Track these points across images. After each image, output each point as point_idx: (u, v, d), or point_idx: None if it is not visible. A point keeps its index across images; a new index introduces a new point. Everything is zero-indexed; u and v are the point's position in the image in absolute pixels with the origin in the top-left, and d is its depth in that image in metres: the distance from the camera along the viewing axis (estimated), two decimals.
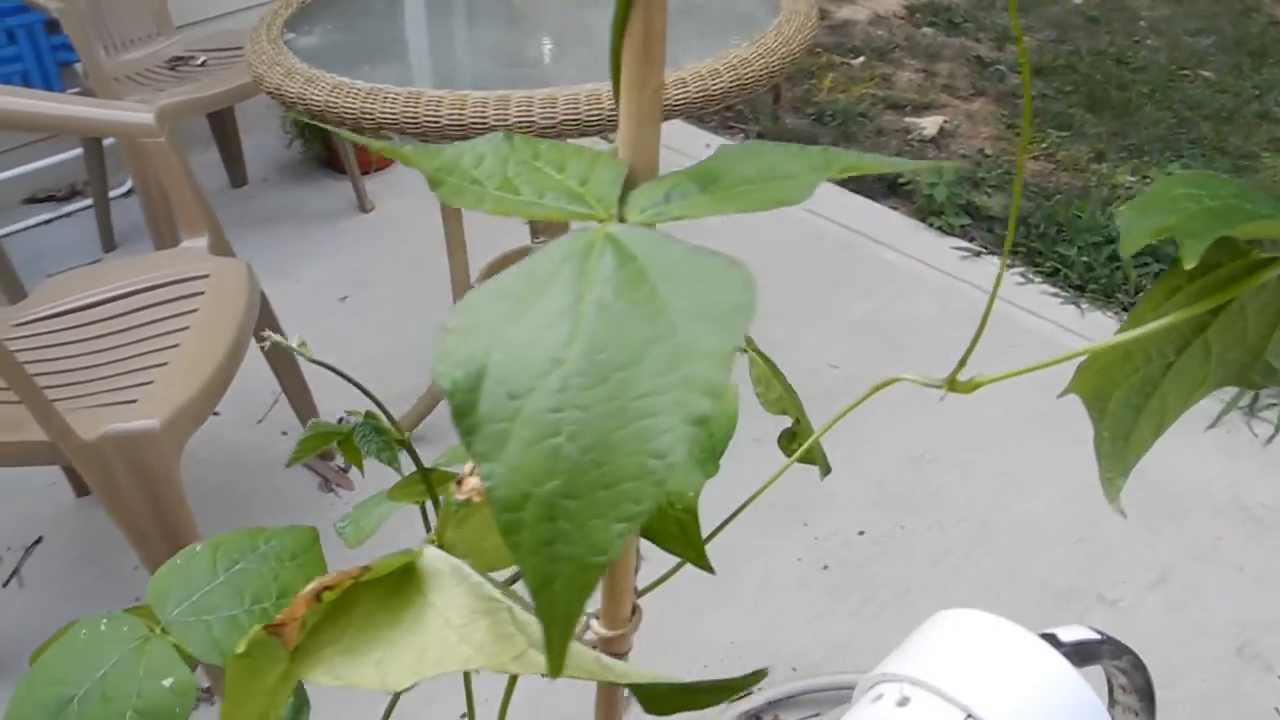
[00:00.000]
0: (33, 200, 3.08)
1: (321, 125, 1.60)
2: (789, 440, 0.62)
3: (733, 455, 0.56)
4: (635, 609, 0.48)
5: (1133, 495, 2.04)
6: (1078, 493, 2.04)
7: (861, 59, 4.13)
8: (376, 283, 2.73)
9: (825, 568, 1.91)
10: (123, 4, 2.83)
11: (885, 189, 3.10)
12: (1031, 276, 2.68)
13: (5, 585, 2.00)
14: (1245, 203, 0.34)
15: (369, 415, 0.63)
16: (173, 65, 2.75)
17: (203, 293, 1.75)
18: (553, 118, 1.39)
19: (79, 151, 2.84)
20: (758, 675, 0.45)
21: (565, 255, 0.31)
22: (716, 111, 3.53)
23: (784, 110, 3.57)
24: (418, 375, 2.36)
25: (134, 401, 1.54)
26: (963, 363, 0.43)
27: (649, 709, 0.44)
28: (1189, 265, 0.31)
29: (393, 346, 2.48)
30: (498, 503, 0.27)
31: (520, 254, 2.11)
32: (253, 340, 1.87)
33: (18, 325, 1.79)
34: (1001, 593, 1.84)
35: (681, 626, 1.81)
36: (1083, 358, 0.40)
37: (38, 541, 2.07)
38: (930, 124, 3.55)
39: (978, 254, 2.77)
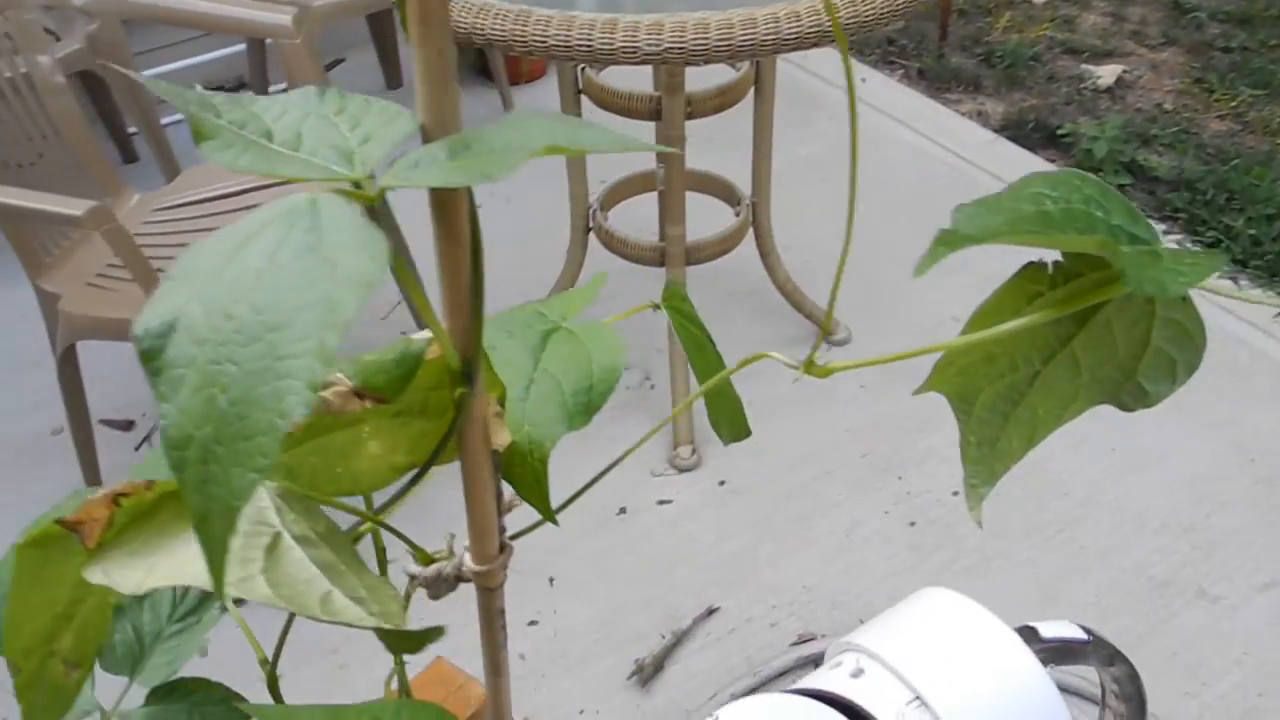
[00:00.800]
0: (210, 89, 3.23)
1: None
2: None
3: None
4: (504, 547, 0.49)
5: (1259, 490, 1.92)
6: (1195, 480, 1.93)
7: None
8: (511, 194, 2.77)
9: (912, 524, 1.87)
10: None
11: (1044, 139, 2.95)
12: (1188, 246, 2.52)
13: (138, 449, 2.15)
14: (1097, 209, 0.31)
15: None
16: None
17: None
18: (704, 43, 1.37)
19: (243, 45, 2.96)
20: None
21: (277, 214, 0.31)
22: (877, 45, 3.41)
23: (950, 48, 3.41)
24: (536, 288, 2.40)
25: None
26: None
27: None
28: (916, 276, 0.28)
29: (516, 258, 2.51)
30: (168, 441, 0.29)
31: (642, 180, 2.10)
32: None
33: (157, 210, 1.89)
34: (1091, 574, 1.77)
35: (757, 567, 1.82)
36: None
37: None
38: (1107, 73, 3.34)
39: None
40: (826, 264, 2.46)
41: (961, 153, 2.83)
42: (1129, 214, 0.33)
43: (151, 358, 0.30)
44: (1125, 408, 0.36)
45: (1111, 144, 2.74)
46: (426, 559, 0.50)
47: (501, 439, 0.46)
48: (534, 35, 1.41)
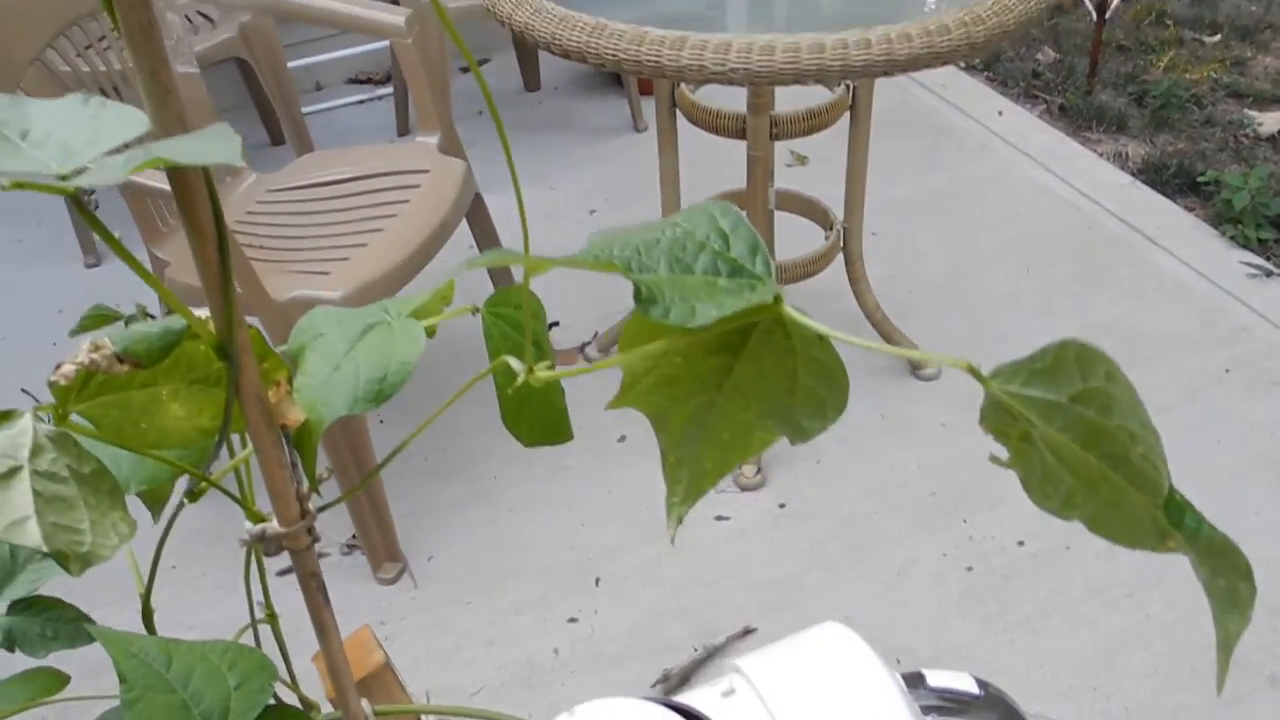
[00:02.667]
0: (354, 81, 3.40)
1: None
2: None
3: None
4: (306, 513, 0.51)
5: None
6: None
7: (1217, 37, 3.71)
8: (627, 201, 2.81)
9: (970, 569, 1.82)
10: None
11: (1184, 185, 2.81)
12: None
13: None
14: (717, 241, 0.32)
15: (144, 311, 0.68)
16: None
17: (419, 186, 1.89)
18: (769, 65, 1.37)
19: (385, 42, 3.09)
20: None
21: None
22: (1022, 78, 3.31)
23: (1099, 84, 3.29)
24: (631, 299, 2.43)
25: (327, 274, 1.70)
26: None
27: None
28: None
29: None
30: None
31: (735, 197, 2.11)
32: (482, 235, 2.00)
33: (269, 191, 2.00)
34: (1154, 644, 1.69)
35: (802, 593, 1.80)
36: None
37: None
38: (1271, 120, 3.16)
39: (1269, 274, 2.47)
40: (929, 297, 2.41)
41: (1093, 195, 2.73)
42: (751, 248, 0.33)
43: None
44: (794, 440, 0.36)
45: (1255, 195, 2.59)
46: (257, 518, 0.53)
47: (292, 416, 0.48)
48: (606, 48, 1.44)
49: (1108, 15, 3.32)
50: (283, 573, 1.92)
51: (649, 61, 1.42)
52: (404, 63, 1.92)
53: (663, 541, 1.90)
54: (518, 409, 0.56)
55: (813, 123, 1.82)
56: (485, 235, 2.07)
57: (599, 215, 2.75)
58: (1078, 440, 0.32)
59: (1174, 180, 2.81)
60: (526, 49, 3.24)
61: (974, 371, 0.34)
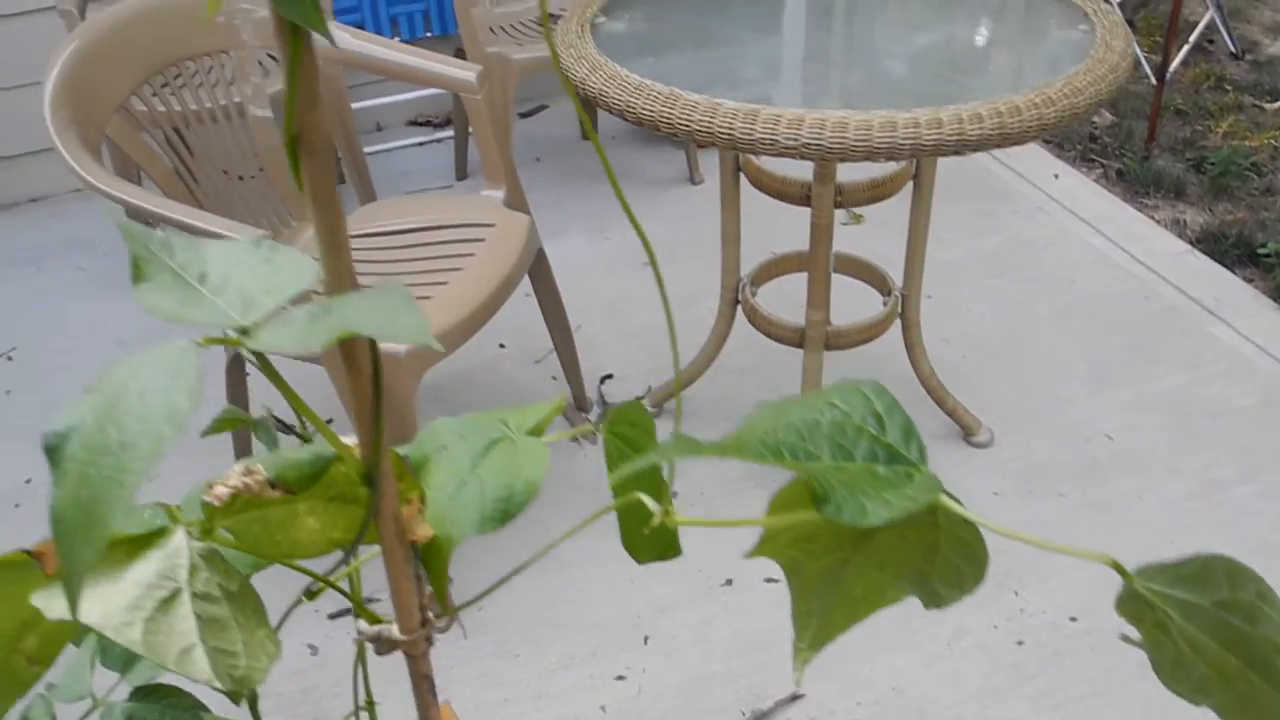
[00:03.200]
0: (414, 123, 3.46)
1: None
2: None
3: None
4: (426, 622, 0.53)
5: None
6: None
7: (1278, 104, 3.70)
8: (682, 254, 2.83)
9: (1020, 643, 1.81)
10: None
11: (1244, 256, 2.79)
12: None
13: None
14: (873, 425, 0.33)
15: (272, 415, 0.71)
16: (541, 21, 2.97)
17: (483, 240, 1.92)
18: (842, 142, 1.39)
19: None
20: None
21: (170, 352, 0.36)
22: (1079, 141, 3.31)
23: (1157, 149, 3.28)
24: (694, 349, 2.44)
25: None
26: None
27: None
28: None
29: (675, 318, 2.57)
30: (53, 510, 0.36)
31: (796, 259, 2.12)
32: (543, 288, 2.03)
33: None
34: None
35: (851, 659, 1.79)
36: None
37: (329, 421, 2.37)
38: None
39: None
40: (983, 362, 2.41)
41: (1149, 262, 2.72)
42: (905, 432, 0.34)
43: (53, 451, 0.36)
44: (928, 605, 0.37)
45: None
46: (371, 619, 0.55)
47: (420, 531, 0.50)
48: (680, 119, 1.46)
49: (1167, 78, 3.32)
50: (335, 615, 1.94)
51: (722, 134, 1.44)
52: (473, 118, 1.96)
53: (713, 602, 1.90)
54: (638, 535, 0.57)
55: (876, 192, 1.83)
56: (546, 289, 2.10)
57: (672, 267, 2.77)
58: (1218, 640, 0.33)
59: (1233, 250, 2.80)
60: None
61: (1118, 567, 0.35)
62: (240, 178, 2.03)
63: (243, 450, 2.05)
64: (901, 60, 1.70)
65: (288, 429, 0.73)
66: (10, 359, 2.68)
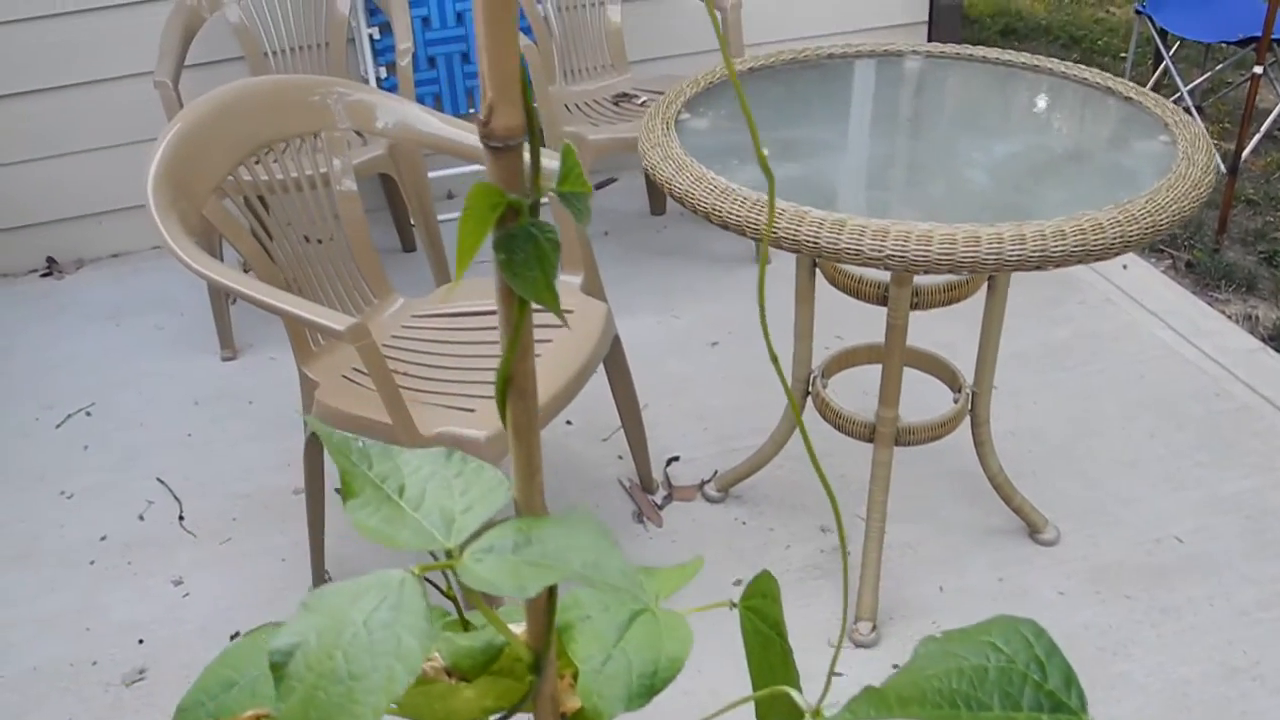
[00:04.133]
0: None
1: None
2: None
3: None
4: None
5: None
6: None
7: None
8: (749, 335, 2.85)
9: None
10: (588, 40, 3.15)
11: None
12: None
13: None
14: (1036, 672, 0.34)
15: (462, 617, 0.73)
16: (616, 100, 3.03)
17: (561, 327, 1.95)
18: (925, 254, 1.41)
19: None
20: None
21: (382, 583, 0.39)
22: None
23: (1228, 241, 3.26)
24: (760, 433, 2.45)
25: (472, 411, 1.76)
26: None
27: None
28: None
29: (742, 400, 2.59)
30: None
31: (866, 352, 2.14)
32: (615, 369, 2.06)
33: (415, 316, 2.09)
34: None
35: None
36: None
37: None
38: None
39: None
40: (1049, 457, 2.40)
41: (1220, 359, 2.70)
42: (1066, 679, 0.36)
43: (277, 667, 0.39)
44: None
45: None
46: None
47: (571, 704, 0.52)
48: (765, 224, 1.49)
49: (1238, 168, 3.31)
50: None
51: (808, 242, 1.46)
52: (554, 205, 2.00)
53: None
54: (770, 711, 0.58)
55: (952, 294, 1.85)
56: (618, 371, 2.12)
57: (721, 348, 2.79)
58: None
59: None
60: None
61: None
62: (319, 241, 2.08)
63: (317, 519, 2.08)
64: (981, 170, 1.72)
65: None
66: (89, 414, 2.75)
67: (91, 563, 2.27)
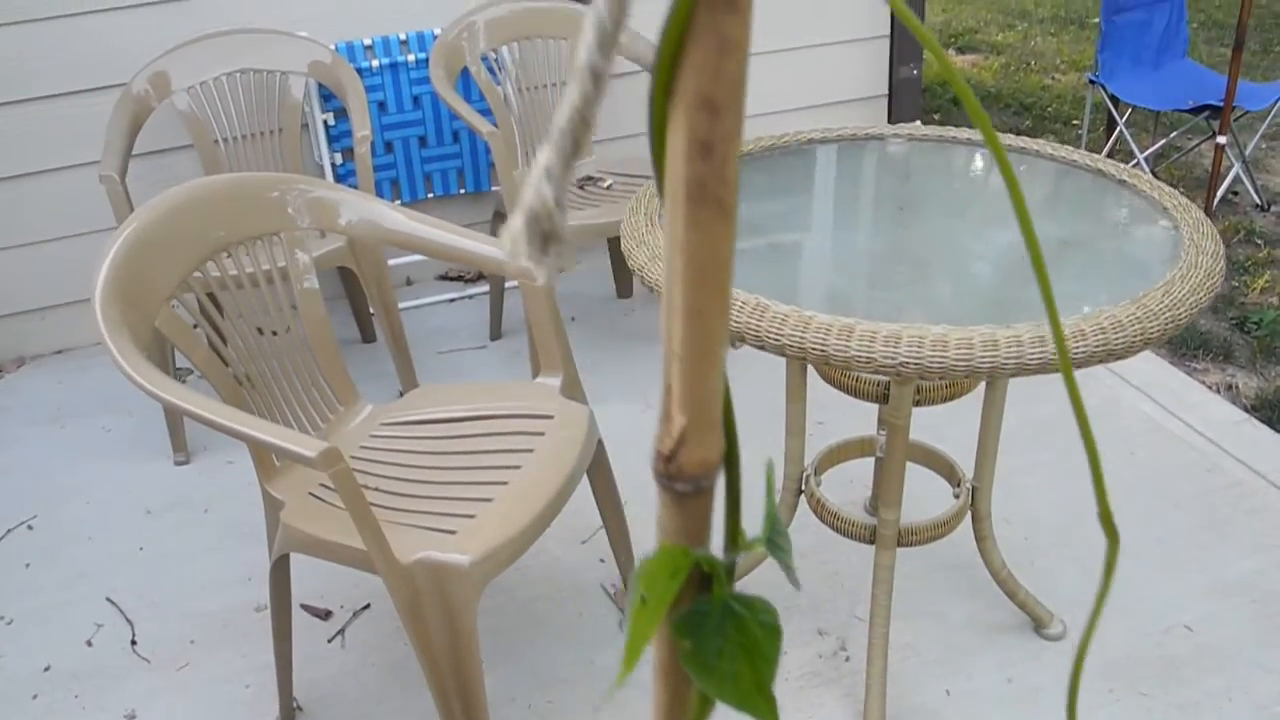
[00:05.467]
0: (445, 278, 3.42)
1: None
2: None
3: None
4: None
5: None
6: None
7: None
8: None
9: None
10: (549, 121, 3.08)
11: None
12: None
13: (330, 641, 2.19)
14: None
15: None
16: (582, 184, 2.96)
17: (543, 434, 1.84)
18: (942, 360, 1.33)
19: None
20: None
21: None
22: None
23: None
24: (746, 528, 2.35)
25: (453, 533, 1.64)
26: None
27: None
28: None
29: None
30: None
31: (858, 446, 2.05)
32: (597, 471, 1.95)
33: (385, 425, 1.97)
34: None
35: None
36: None
37: (365, 607, 2.26)
38: None
39: None
40: (1047, 543, 2.32)
41: (1206, 432, 2.65)
42: None
43: None
44: None
45: None
46: None
47: None
48: (769, 331, 1.40)
49: None
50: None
51: (814, 350, 1.37)
52: (531, 307, 1.90)
53: None
54: None
55: (953, 390, 1.77)
56: (602, 476, 2.02)
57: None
58: None
59: None
60: (619, 254, 3.25)
61: None
62: (274, 333, 1.97)
63: (283, 641, 1.94)
64: (983, 261, 1.65)
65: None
66: (30, 528, 2.58)
67: (34, 697, 2.10)
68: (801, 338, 1.38)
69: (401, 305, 3.27)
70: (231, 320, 1.87)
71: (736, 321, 1.43)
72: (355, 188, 3.22)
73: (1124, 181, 1.82)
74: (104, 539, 2.53)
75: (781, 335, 1.39)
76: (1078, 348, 1.36)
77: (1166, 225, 1.69)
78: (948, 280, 1.61)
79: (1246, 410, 2.76)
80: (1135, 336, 1.39)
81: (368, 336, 3.20)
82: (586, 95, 0.31)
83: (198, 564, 2.42)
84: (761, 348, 1.42)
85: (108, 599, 2.34)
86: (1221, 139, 3.19)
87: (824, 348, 1.37)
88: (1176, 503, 2.43)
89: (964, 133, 2.02)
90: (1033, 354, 1.34)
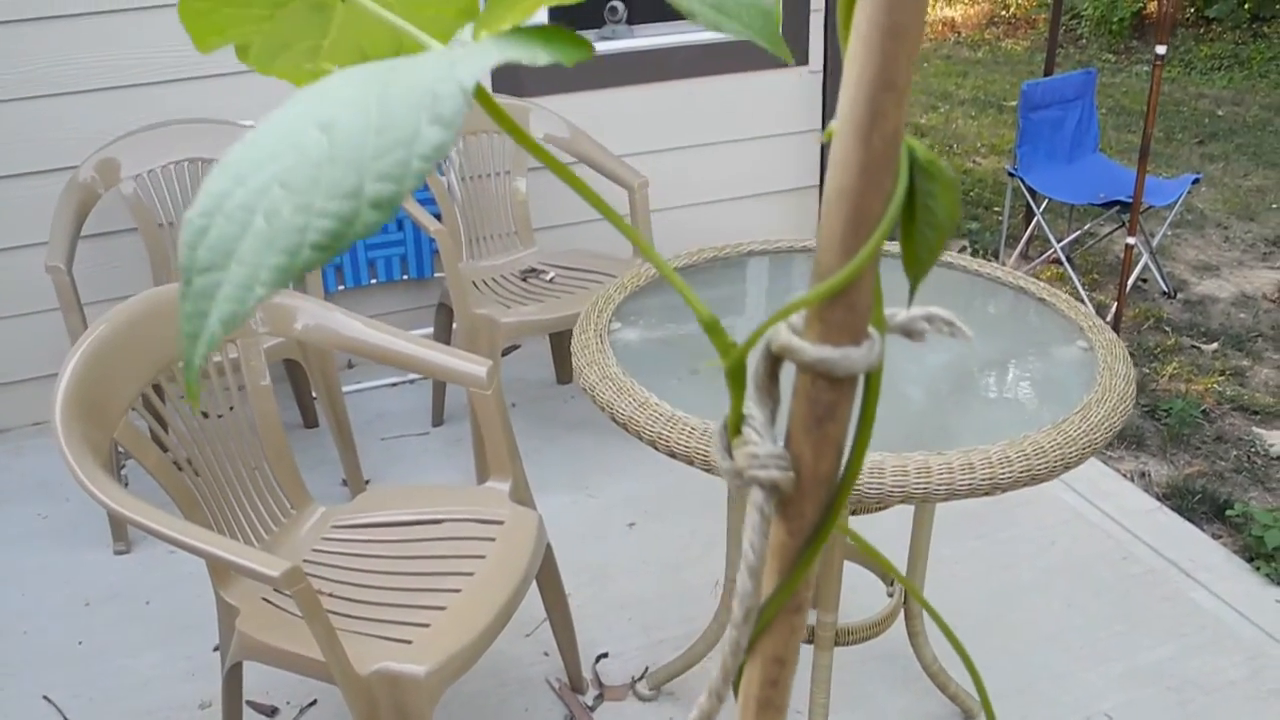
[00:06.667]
0: None
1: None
2: None
3: None
4: None
5: None
6: None
7: (1215, 345, 3.89)
8: (666, 515, 2.82)
9: None
10: (493, 210, 3.17)
11: (1212, 512, 2.88)
12: None
13: None
14: None
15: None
16: (524, 276, 3.03)
17: (494, 539, 1.90)
18: (879, 488, 1.42)
19: (430, 330, 3.18)
20: None
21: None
22: None
23: None
24: (687, 622, 2.42)
25: (409, 643, 1.69)
26: None
27: None
28: None
29: (665, 587, 2.55)
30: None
31: None
32: (542, 567, 2.00)
33: (336, 527, 2.01)
34: None
35: None
36: None
37: (312, 703, 2.27)
38: None
39: None
40: (974, 633, 2.42)
41: (1122, 521, 2.78)
42: None
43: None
44: None
45: None
46: None
47: None
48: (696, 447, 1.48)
49: (1110, 319, 3.48)
50: None
51: None
52: (480, 411, 1.96)
53: None
54: None
55: (887, 500, 1.86)
56: (548, 574, 2.07)
57: (639, 529, 2.76)
58: None
59: (1199, 507, 2.88)
60: (561, 341, 3.32)
61: None
62: (220, 416, 2.00)
63: None
64: (914, 384, 1.75)
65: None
66: None
67: None
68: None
69: (344, 388, 3.30)
70: (185, 422, 1.90)
71: (684, 445, 1.51)
72: None
73: (1044, 300, 1.95)
74: (40, 633, 2.51)
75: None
76: (1004, 474, 1.46)
77: (1083, 346, 1.81)
78: (881, 403, 1.70)
79: (1158, 499, 2.91)
80: (1057, 462, 1.49)
81: (309, 421, 3.22)
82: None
83: (139, 659, 2.41)
84: (710, 471, 1.49)
85: (44, 697, 2.32)
86: (1131, 240, 3.38)
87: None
88: (1095, 591, 2.55)
89: (894, 246, 2.14)
90: (963, 481, 1.44)
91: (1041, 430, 1.53)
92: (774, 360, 0.41)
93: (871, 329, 0.40)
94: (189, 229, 0.30)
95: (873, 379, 0.40)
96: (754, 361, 0.42)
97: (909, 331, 0.41)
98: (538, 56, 0.32)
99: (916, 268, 0.41)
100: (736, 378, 0.41)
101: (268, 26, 0.41)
